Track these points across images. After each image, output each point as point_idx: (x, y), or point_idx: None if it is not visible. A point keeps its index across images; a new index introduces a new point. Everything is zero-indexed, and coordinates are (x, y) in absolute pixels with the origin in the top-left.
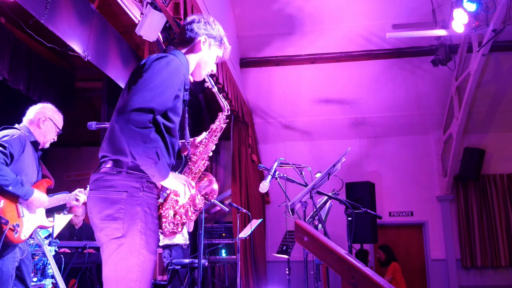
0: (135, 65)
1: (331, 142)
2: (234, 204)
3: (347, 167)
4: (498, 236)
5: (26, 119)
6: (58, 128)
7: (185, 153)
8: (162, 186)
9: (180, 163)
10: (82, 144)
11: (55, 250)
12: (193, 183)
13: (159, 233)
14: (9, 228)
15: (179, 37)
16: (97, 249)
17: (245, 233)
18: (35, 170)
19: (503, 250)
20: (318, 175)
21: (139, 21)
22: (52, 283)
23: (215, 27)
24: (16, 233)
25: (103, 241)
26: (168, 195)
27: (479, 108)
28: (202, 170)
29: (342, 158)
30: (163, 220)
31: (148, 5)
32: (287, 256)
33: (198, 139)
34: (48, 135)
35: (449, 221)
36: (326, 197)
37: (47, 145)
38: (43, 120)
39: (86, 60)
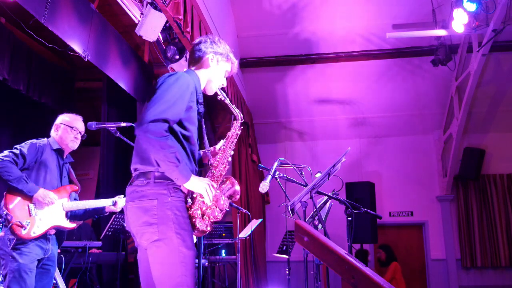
0: (135, 65)
1: (331, 142)
2: (234, 204)
3: (347, 167)
4: (498, 236)
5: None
6: (70, 127)
7: (206, 161)
8: (188, 190)
9: (203, 172)
10: (82, 144)
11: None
12: (215, 185)
13: None
14: (16, 224)
15: (190, 57)
16: (99, 248)
17: (245, 233)
18: (57, 176)
19: (503, 250)
20: (318, 175)
21: (139, 21)
22: (52, 283)
23: (221, 45)
24: (24, 229)
25: (145, 245)
26: (195, 197)
27: (479, 108)
28: (223, 173)
29: (342, 158)
30: (193, 220)
31: (148, 5)
32: (287, 256)
33: (217, 146)
34: (64, 138)
35: (449, 221)
36: (326, 197)
37: (71, 146)
38: (56, 127)
39: (86, 60)
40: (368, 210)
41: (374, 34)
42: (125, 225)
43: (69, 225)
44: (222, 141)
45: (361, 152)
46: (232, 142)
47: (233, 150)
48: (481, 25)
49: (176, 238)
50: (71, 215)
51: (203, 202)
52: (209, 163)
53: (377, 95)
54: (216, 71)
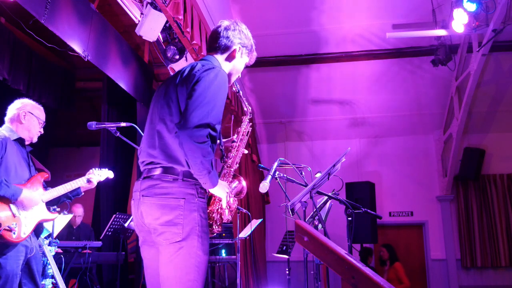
0: (135, 65)
1: (331, 142)
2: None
3: (347, 167)
4: (498, 236)
5: (7, 119)
6: (41, 120)
7: (219, 157)
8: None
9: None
10: (82, 144)
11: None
12: (229, 190)
13: None
14: (5, 229)
15: (212, 42)
16: (98, 249)
17: (245, 233)
18: (25, 167)
19: (503, 250)
20: (318, 175)
21: (139, 21)
22: (52, 283)
23: (248, 35)
24: (14, 233)
25: (162, 244)
26: (213, 198)
27: (479, 108)
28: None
29: (342, 158)
30: (210, 221)
31: (148, 5)
32: (287, 256)
33: (228, 142)
34: (32, 129)
35: (449, 221)
36: (326, 197)
37: (35, 139)
38: (23, 115)
39: (86, 60)
40: (368, 210)
41: (374, 34)
42: (132, 223)
43: (52, 216)
44: (234, 137)
45: (361, 152)
46: (243, 140)
47: (244, 148)
48: (481, 25)
49: (197, 241)
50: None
51: (221, 205)
52: (223, 160)
53: (377, 95)
54: (239, 64)
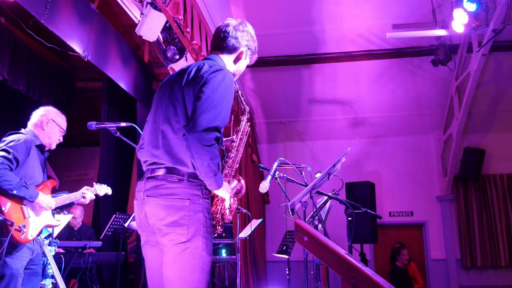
0: (135, 65)
1: (331, 142)
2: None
3: (347, 167)
4: (498, 236)
5: (30, 123)
6: (62, 129)
7: (220, 157)
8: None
9: None
10: (82, 144)
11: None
12: (230, 190)
13: None
14: (15, 229)
15: (219, 41)
16: (98, 249)
17: (245, 233)
18: (40, 172)
19: (503, 250)
20: (318, 175)
21: (139, 21)
22: (52, 283)
23: (254, 38)
24: (22, 233)
25: (167, 245)
26: (215, 199)
27: (479, 108)
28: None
29: (342, 158)
30: (213, 222)
31: (148, 5)
32: (287, 256)
33: (228, 141)
34: (52, 136)
35: (449, 221)
36: (326, 197)
37: (53, 146)
38: (46, 122)
39: (86, 60)
40: (368, 210)
41: (374, 34)
42: (132, 223)
43: (56, 222)
44: (234, 137)
45: (361, 152)
46: (242, 139)
47: (243, 148)
48: (481, 25)
49: (202, 242)
50: None
51: (223, 206)
52: (224, 160)
53: (377, 95)
54: (242, 66)
